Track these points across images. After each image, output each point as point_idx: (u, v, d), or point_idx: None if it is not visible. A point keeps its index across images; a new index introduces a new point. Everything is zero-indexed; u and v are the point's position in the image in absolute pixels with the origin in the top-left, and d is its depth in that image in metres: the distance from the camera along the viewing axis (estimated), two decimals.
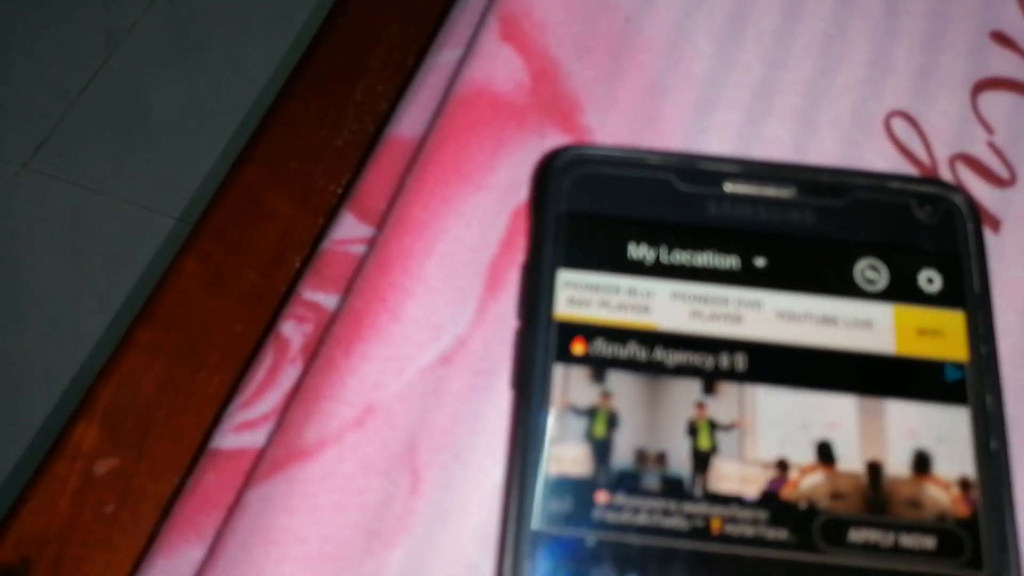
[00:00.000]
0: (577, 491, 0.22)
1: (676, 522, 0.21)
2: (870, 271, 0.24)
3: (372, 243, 0.27)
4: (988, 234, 0.26)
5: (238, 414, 0.27)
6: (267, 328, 0.33)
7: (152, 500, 0.30)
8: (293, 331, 0.28)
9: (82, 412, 0.31)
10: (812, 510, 0.22)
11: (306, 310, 0.29)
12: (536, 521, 0.21)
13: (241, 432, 0.26)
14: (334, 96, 0.41)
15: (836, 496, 0.22)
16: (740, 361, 0.23)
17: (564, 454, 0.22)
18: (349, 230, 0.30)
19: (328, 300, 0.29)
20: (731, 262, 0.24)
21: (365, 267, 0.26)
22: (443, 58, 0.31)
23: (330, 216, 0.35)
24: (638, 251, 0.24)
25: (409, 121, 0.30)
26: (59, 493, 0.30)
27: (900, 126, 0.28)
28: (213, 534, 0.25)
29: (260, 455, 0.25)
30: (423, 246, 0.26)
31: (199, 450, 0.30)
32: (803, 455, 0.22)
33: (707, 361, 0.23)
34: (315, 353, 0.25)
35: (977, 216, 0.25)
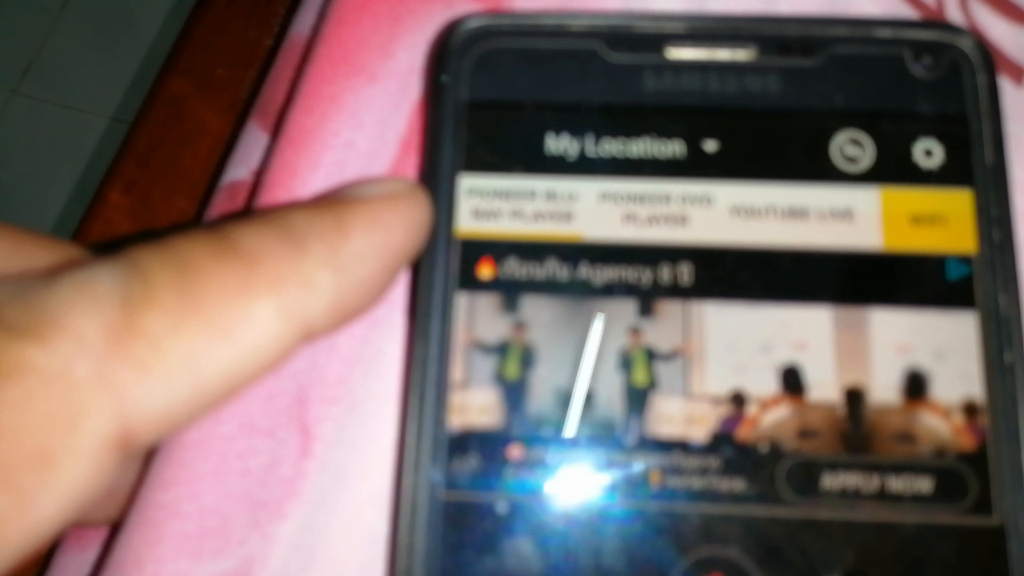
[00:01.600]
0: (485, 446, 0.18)
1: (606, 477, 0.18)
2: (851, 146, 0.19)
3: (264, 167, 0.23)
4: (1009, 87, 0.21)
5: None
6: None
7: None
8: None
9: None
10: (776, 453, 0.18)
11: None
12: (436, 485, 0.17)
13: None
14: None
15: (806, 434, 0.18)
16: (685, 272, 0.19)
17: (469, 401, 0.18)
18: (258, 146, 0.26)
19: None
20: (674, 149, 0.19)
21: (257, 195, 0.22)
22: None
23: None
24: (558, 144, 0.20)
25: (307, 14, 0.26)
26: None
27: None
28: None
29: None
30: (308, 158, 0.21)
31: None
32: (764, 385, 0.18)
33: (644, 275, 0.19)
34: None
35: (991, 65, 0.19)
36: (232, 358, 0.14)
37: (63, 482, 0.13)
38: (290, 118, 0.22)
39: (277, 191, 0.21)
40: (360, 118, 0.21)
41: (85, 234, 0.33)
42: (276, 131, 0.25)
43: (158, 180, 0.34)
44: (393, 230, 0.17)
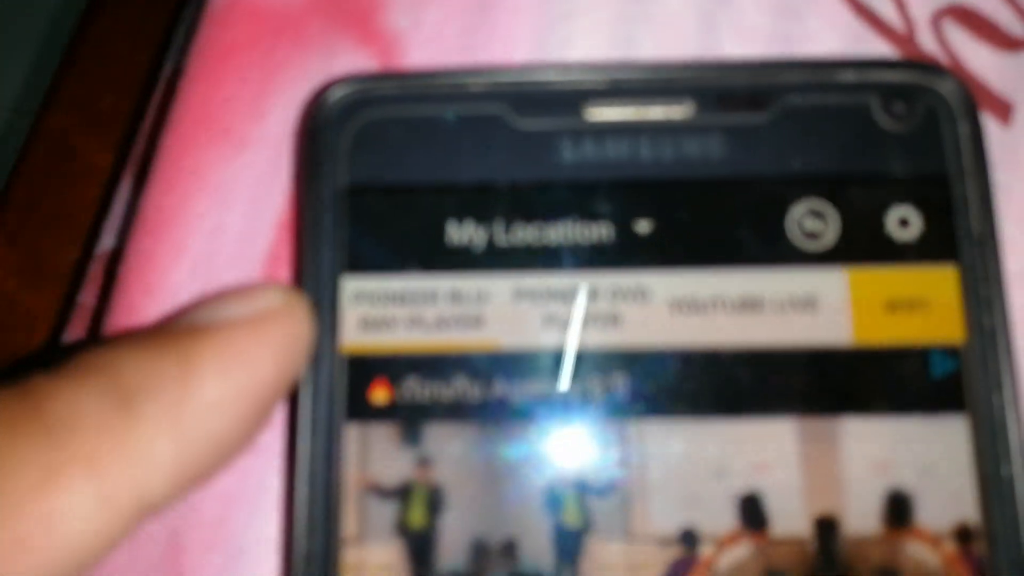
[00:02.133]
0: None
1: None
2: (811, 220, 0.16)
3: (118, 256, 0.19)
4: (993, 126, 0.18)
5: None
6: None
7: None
8: None
9: None
10: None
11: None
12: None
13: None
14: (149, 4, 0.32)
15: (771, 575, 0.15)
16: (620, 385, 0.16)
17: (366, 559, 0.15)
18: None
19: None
20: (601, 233, 0.16)
21: (111, 295, 0.19)
22: None
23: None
24: (461, 233, 0.16)
25: (173, 59, 0.22)
26: None
27: None
28: None
29: None
30: (168, 250, 0.18)
31: None
32: (720, 519, 0.15)
33: (572, 391, 0.16)
34: None
35: (973, 110, 0.16)
36: (40, 568, 0.11)
37: None
38: (148, 197, 0.18)
39: (132, 290, 0.18)
40: (227, 196, 0.18)
41: None
42: (130, 211, 0.21)
43: (45, 230, 0.30)
44: (258, 364, 0.13)
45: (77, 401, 0.12)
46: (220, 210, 0.18)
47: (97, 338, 0.21)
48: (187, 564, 0.17)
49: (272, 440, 0.17)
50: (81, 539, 0.12)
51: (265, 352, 0.14)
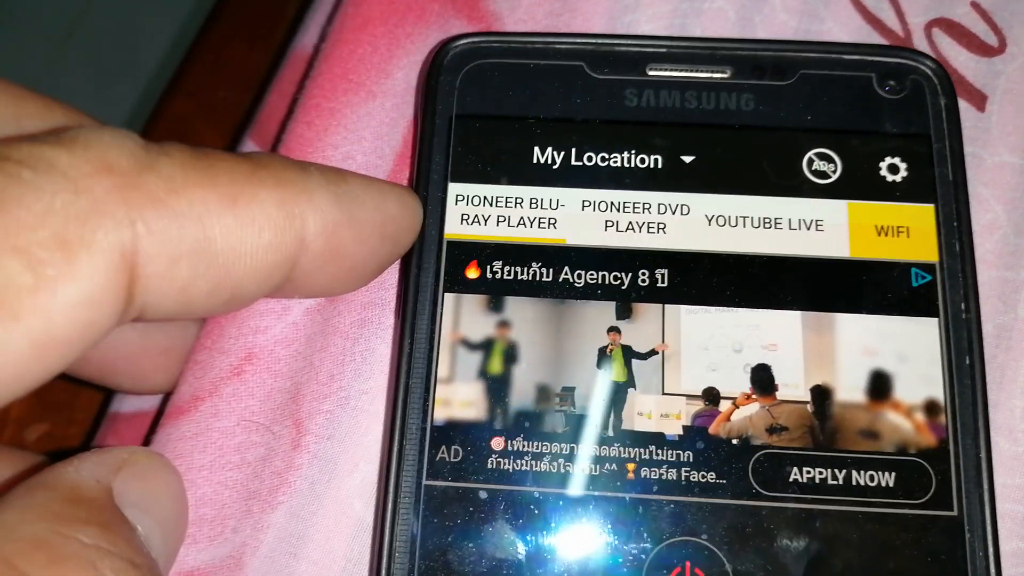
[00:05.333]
0: (469, 438, 0.19)
1: (584, 468, 0.18)
2: (821, 162, 0.20)
3: None
4: (972, 112, 0.22)
5: None
6: None
7: None
8: None
9: None
10: (747, 447, 0.19)
11: None
12: (420, 474, 0.18)
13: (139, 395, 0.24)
14: (264, 14, 0.37)
15: (775, 429, 0.19)
16: (662, 277, 0.20)
17: (454, 395, 0.19)
18: None
19: None
20: (654, 161, 0.20)
21: None
22: None
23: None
24: (544, 155, 0.21)
25: (310, 30, 0.27)
26: None
27: None
28: None
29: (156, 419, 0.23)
30: None
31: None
32: (736, 383, 0.19)
33: (623, 279, 0.20)
34: None
35: (951, 89, 0.20)
36: (237, 230, 0.15)
37: (78, 276, 0.13)
38: (291, 129, 0.23)
39: None
40: (359, 133, 0.22)
41: None
42: (274, 144, 0.26)
43: None
44: (387, 201, 0.18)
45: (267, 154, 0.17)
46: (351, 143, 0.22)
47: None
48: (303, 410, 0.20)
49: (378, 316, 0.21)
50: (261, 224, 0.16)
51: (392, 196, 0.18)
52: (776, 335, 0.19)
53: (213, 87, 0.36)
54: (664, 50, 0.21)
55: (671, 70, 0.21)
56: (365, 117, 0.23)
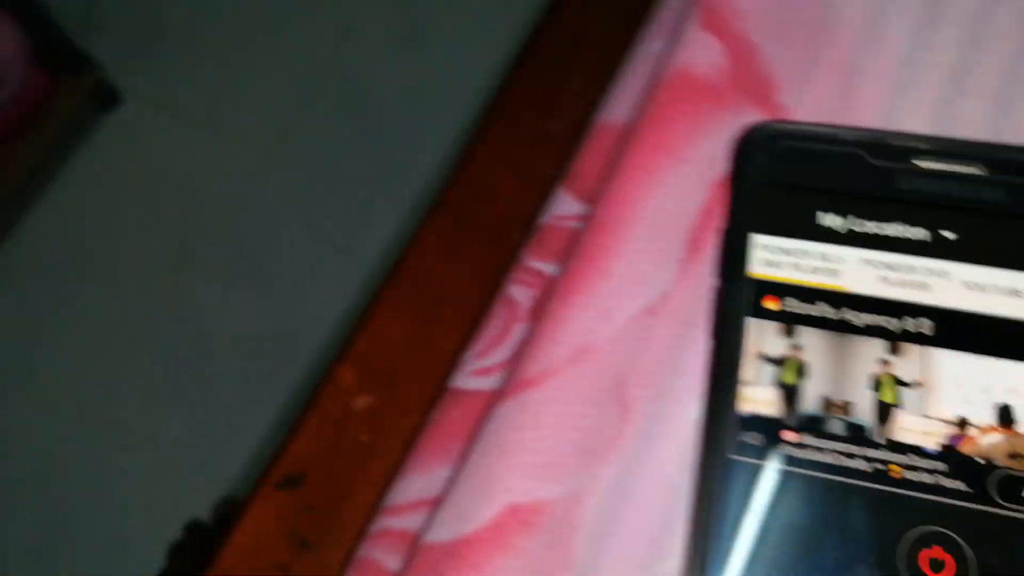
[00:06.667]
0: (766, 428, 0.25)
1: (857, 464, 0.24)
2: None
3: (586, 218, 0.31)
4: None
5: (475, 361, 0.32)
6: (491, 293, 0.38)
7: (397, 433, 0.36)
8: (519, 294, 0.33)
9: (342, 357, 0.37)
10: (989, 466, 0.23)
11: (529, 276, 0.33)
12: (730, 449, 0.24)
13: (478, 376, 0.31)
14: (552, 86, 0.45)
15: (1014, 456, 0.24)
16: (925, 325, 0.25)
17: (756, 396, 0.25)
18: (566, 207, 0.34)
19: (548, 268, 0.33)
20: (920, 233, 0.26)
21: (580, 236, 0.30)
22: (649, 49, 0.35)
23: (547, 195, 0.40)
24: (829, 219, 0.27)
25: (618, 107, 0.34)
26: (325, 422, 0.36)
27: None
28: (458, 457, 0.29)
29: (495, 392, 0.30)
30: (631, 214, 0.29)
31: (435, 394, 0.36)
32: (983, 416, 0.24)
33: (893, 323, 0.25)
34: (538, 307, 0.30)
35: None
36: None
37: None
38: (616, 185, 0.30)
39: (605, 235, 0.29)
40: (671, 190, 0.29)
41: (404, 265, 0.42)
42: (588, 196, 0.33)
43: (463, 228, 0.42)
44: None
45: None
46: (664, 197, 0.29)
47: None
48: (628, 394, 0.27)
49: (691, 332, 0.27)
50: None
51: None
52: (1017, 382, 0.24)
53: (508, 142, 0.44)
54: (928, 146, 0.27)
55: (934, 163, 0.27)
56: (675, 177, 0.29)
